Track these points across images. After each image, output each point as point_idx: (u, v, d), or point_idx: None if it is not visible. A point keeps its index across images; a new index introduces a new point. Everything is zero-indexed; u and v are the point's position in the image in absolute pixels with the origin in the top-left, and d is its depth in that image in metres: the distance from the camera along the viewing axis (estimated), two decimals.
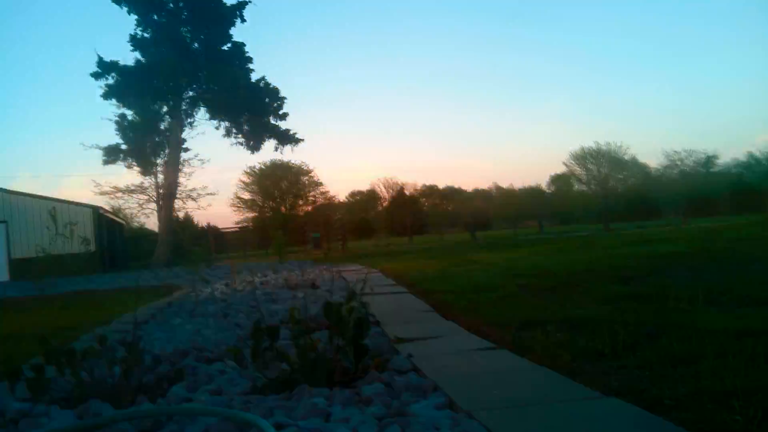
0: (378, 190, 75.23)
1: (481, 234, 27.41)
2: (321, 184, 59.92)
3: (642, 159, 64.07)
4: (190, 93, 23.44)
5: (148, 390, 2.66)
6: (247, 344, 2.79)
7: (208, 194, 43.80)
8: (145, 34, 21.90)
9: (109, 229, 24.98)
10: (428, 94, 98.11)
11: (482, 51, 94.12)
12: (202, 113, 24.12)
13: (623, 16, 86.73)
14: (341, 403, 2.29)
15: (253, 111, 22.26)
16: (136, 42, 21.82)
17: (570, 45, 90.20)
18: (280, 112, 23.40)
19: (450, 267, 9.02)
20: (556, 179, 70.80)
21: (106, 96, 22.63)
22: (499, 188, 76.72)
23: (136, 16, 21.65)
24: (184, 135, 23.84)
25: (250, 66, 23.44)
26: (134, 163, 27.18)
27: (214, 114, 22.90)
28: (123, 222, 34.62)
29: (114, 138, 23.66)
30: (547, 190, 71.92)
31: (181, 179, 31.95)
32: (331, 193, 61.17)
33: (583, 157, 64.28)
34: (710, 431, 1.89)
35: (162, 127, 24.03)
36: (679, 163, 61.74)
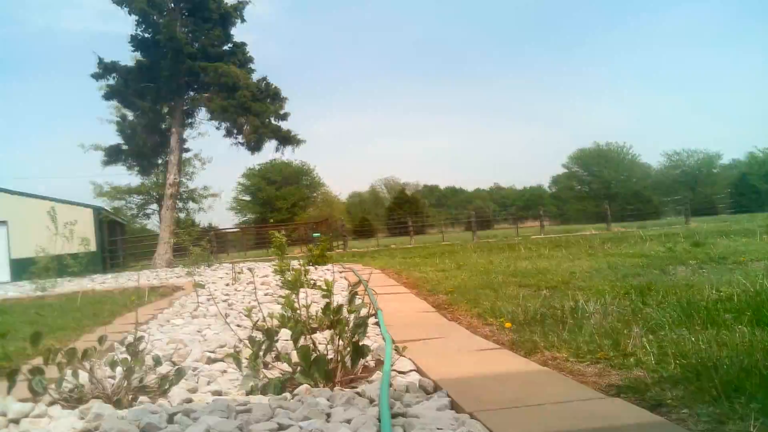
0: (379, 190, 75.35)
1: (482, 234, 27.39)
2: (323, 184, 60.06)
3: (644, 159, 64.28)
4: (191, 93, 23.48)
5: (150, 390, 2.66)
6: (248, 345, 2.79)
7: (210, 195, 44.11)
8: (146, 35, 21.93)
9: (110, 229, 25.01)
10: (429, 93, 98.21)
11: (482, 50, 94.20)
12: (202, 114, 24.19)
13: (624, 17, 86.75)
14: (343, 404, 2.28)
15: (254, 112, 22.28)
16: (136, 42, 21.86)
17: (570, 44, 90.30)
18: (281, 113, 23.45)
19: (451, 267, 9.00)
20: (558, 179, 70.94)
21: (107, 97, 22.70)
22: (500, 188, 76.83)
23: (136, 17, 21.67)
24: (184, 135, 23.89)
25: (251, 66, 23.49)
26: (135, 163, 27.26)
27: (215, 114, 22.93)
28: (124, 222, 34.66)
29: (114, 139, 23.75)
30: (549, 191, 72.03)
31: (182, 179, 32.03)
32: (333, 194, 61.36)
33: (583, 158, 64.44)
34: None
35: (163, 127, 24.07)
36: (680, 163, 61.86)
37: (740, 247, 8.44)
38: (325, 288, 2.86)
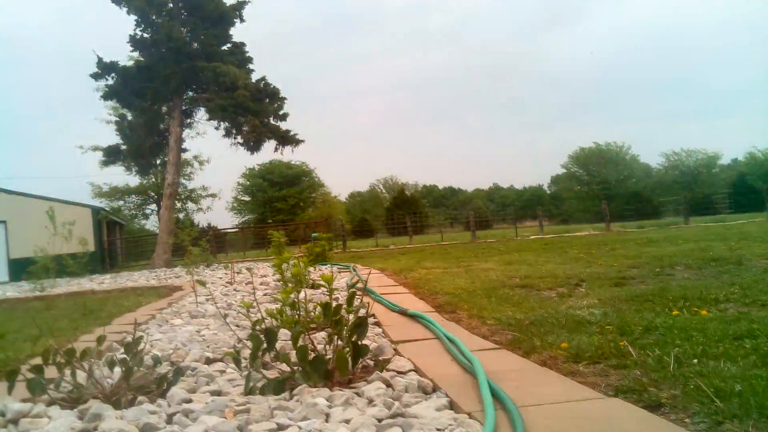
0: (378, 190, 75.34)
1: (481, 234, 27.39)
2: (322, 185, 59.96)
3: (643, 159, 64.27)
4: (190, 93, 23.47)
5: (148, 391, 2.65)
6: (246, 345, 2.79)
7: (209, 195, 44.09)
8: (145, 35, 21.92)
9: (109, 230, 25.01)
10: (428, 93, 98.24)
11: (482, 50, 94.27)
12: (201, 113, 24.18)
13: (625, 17, 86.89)
14: (342, 404, 2.28)
15: (253, 111, 22.26)
16: (135, 42, 21.84)
17: (571, 45, 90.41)
18: (281, 113, 23.43)
19: (451, 267, 9.01)
20: (557, 179, 70.95)
21: (106, 96, 22.67)
22: (499, 188, 76.91)
23: (135, 17, 21.66)
24: (183, 135, 23.87)
25: (250, 66, 23.48)
26: (134, 163, 27.24)
27: (214, 114, 22.91)
28: (123, 222, 34.64)
29: (113, 139, 23.73)
30: (548, 191, 72.12)
31: (181, 180, 32.01)
32: (332, 194, 61.27)
33: (584, 158, 64.48)
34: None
35: (161, 127, 24.06)
36: (679, 163, 61.88)
37: None
38: (326, 285, 2.86)
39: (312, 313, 3.70)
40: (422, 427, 1.99)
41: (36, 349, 3.87)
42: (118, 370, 2.71)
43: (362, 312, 2.79)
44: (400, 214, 42.75)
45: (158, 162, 28.67)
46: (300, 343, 2.66)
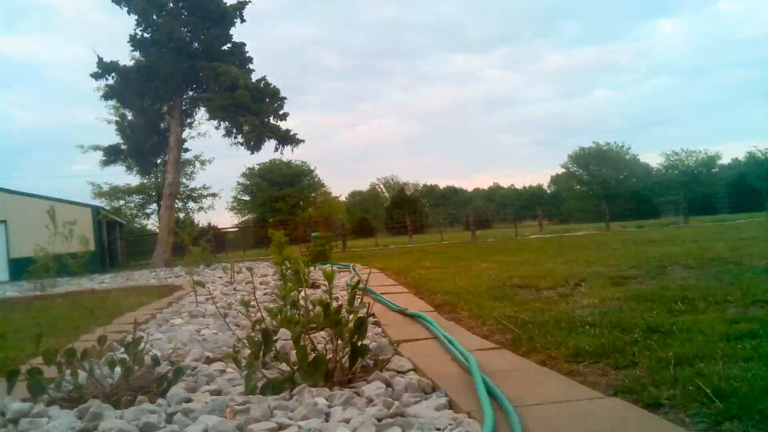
0: (378, 190, 75.35)
1: (481, 233, 27.40)
2: (322, 184, 59.97)
3: (643, 159, 64.26)
4: (190, 93, 23.48)
5: (148, 390, 2.66)
6: (246, 345, 2.79)
7: (209, 195, 44.07)
8: (145, 34, 21.93)
9: (109, 229, 25.01)
10: (428, 94, 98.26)
11: (480, 47, 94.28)
12: (202, 113, 24.21)
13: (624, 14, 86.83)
14: (341, 404, 2.28)
15: (253, 111, 22.27)
16: (136, 42, 21.86)
17: (572, 44, 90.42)
18: (281, 113, 23.45)
19: (451, 267, 9.00)
20: (557, 179, 71.00)
21: (107, 96, 22.69)
22: (499, 188, 76.92)
23: (136, 16, 21.67)
24: (184, 135, 23.91)
25: (250, 66, 23.50)
26: (134, 163, 27.27)
27: (214, 114, 22.92)
28: (123, 222, 34.64)
29: (113, 139, 23.74)
30: (548, 190, 72.15)
31: (182, 179, 32.03)
32: (332, 193, 61.26)
33: (583, 157, 64.49)
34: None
35: (162, 127, 24.08)
36: (679, 163, 61.90)
37: None
38: (326, 284, 2.86)
39: (312, 313, 3.70)
40: (422, 426, 1.99)
41: (36, 349, 3.87)
42: (118, 369, 2.72)
43: (362, 312, 2.79)
44: (400, 213, 42.78)
45: (159, 161, 28.67)
46: (300, 343, 2.66)
